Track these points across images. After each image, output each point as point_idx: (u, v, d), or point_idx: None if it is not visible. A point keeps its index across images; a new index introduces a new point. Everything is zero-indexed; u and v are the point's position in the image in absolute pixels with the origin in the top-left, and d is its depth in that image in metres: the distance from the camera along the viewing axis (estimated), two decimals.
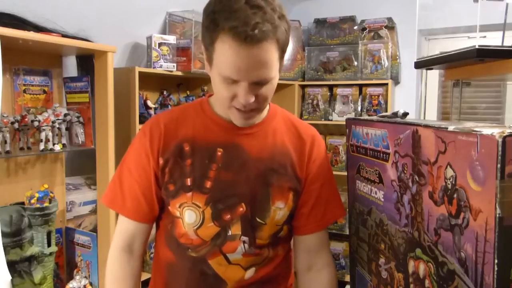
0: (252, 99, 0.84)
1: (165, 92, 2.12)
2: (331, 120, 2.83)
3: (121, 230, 0.99)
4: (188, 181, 0.92)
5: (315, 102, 2.88)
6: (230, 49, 0.78)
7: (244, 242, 0.94)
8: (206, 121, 0.96)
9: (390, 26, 2.79)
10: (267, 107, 1.00)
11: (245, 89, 0.83)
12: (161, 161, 0.94)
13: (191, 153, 0.93)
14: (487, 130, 0.57)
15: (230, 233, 0.94)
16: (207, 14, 0.82)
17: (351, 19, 2.90)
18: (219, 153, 0.93)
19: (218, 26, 0.79)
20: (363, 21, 2.86)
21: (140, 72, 1.82)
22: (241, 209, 0.93)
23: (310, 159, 0.99)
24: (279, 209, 0.96)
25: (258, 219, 0.94)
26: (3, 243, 1.22)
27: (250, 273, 0.97)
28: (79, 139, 1.63)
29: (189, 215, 0.93)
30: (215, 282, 0.96)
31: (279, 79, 0.91)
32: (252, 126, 0.96)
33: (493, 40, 1.36)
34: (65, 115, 1.58)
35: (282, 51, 0.86)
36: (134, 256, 0.99)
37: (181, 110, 1.01)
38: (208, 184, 0.92)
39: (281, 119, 1.01)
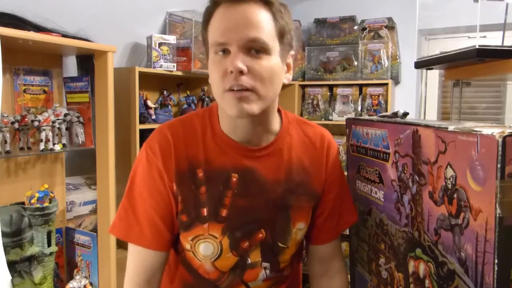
0: (241, 65, 0.74)
1: (165, 92, 2.12)
2: (331, 120, 2.82)
3: (137, 264, 0.88)
4: (204, 212, 0.85)
5: (315, 102, 2.88)
6: (219, 15, 0.78)
7: (265, 268, 0.90)
8: (217, 142, 0.87)
9: (390, 26, 2.79)
10: (278, 118, 0.92)
11: (234, 53, 0.76)
12: (174, 187, 0.85)
13: (205, 180, 0.85)
14: (487, 130, 0.57)
15: (249, 261, 0.88)
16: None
17: (351, 19, 2.90)
18: (234, 179, 0.85)
19: (212, 3, 0.80)
20: (363, 21, 2.86)
21: (140, 72, 1.82)
22: (260, 235, 0.88)
23: (327, 169, 0.93)
24: (300, 230, 0.91)
25: (280, 244, 0.89)
26: (3, 243, 1.22)
27: None
28: (79, 139, 1.63)
29: (205, 248, 0.86)
30: None
31: None
32: (266, 146, 0.88)
33: (493, 40, 1.36)
34: (65, 115, 1.58)
35: (280, 31, 0.81)
36: None
37: (187, 124, 0.90)
38: (224, 212, 0.85)
39: (294, 130, 0.93)
